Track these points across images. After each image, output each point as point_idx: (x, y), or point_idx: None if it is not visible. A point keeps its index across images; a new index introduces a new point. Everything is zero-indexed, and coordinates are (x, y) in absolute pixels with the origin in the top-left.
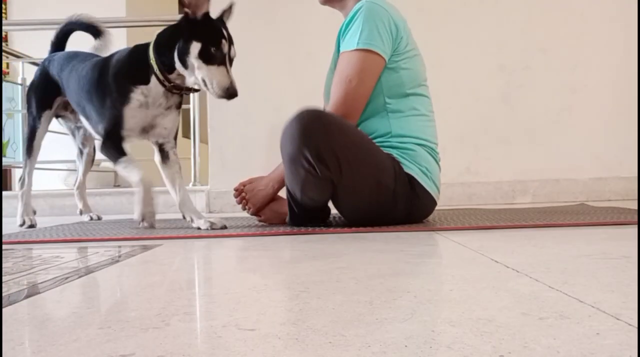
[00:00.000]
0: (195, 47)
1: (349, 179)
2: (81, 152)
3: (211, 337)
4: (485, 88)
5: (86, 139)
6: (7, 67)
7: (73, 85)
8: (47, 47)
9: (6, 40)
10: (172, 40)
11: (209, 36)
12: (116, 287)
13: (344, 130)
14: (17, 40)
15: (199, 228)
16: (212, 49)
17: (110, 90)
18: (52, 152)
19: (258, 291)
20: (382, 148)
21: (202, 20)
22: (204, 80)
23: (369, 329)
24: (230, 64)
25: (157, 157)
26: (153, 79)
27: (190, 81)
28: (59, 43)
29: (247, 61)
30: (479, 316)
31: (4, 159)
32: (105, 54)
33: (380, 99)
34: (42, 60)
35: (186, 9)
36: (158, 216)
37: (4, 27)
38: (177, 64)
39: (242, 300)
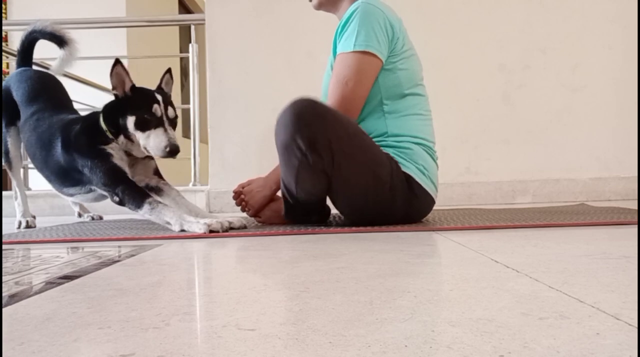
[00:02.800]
0: (130, 120)
1: (343, 169)
2: None
3: (211, 337)
4: (485, 88)
5: None
6: (7, 67)
7: (33, 146)
8: (47, 47)
9: (6, 40)
10: (114, 116)
11: (140, 106)
12: (116, 287)
13: (339, 120)
14: (17, 40)
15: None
16: (145, 116)
17: (81, 163)
18: None
19: (258, 291)
20: None
21: (132, 94)
22: (145, 147)
23: (369, 329)
24: (172, 124)
25: (154, 195)
26: (112, 143)
27: (137, 153)
28: (25, 51)
29: (247, 61)
30: (479, 316)
31: (3, 159)
32: (71, 64)
33: (377, 100)
34: (7, 79)
35: (114, 91)
36: None
37: (4, 27)
38: (122, 140)
39: (242, 300)
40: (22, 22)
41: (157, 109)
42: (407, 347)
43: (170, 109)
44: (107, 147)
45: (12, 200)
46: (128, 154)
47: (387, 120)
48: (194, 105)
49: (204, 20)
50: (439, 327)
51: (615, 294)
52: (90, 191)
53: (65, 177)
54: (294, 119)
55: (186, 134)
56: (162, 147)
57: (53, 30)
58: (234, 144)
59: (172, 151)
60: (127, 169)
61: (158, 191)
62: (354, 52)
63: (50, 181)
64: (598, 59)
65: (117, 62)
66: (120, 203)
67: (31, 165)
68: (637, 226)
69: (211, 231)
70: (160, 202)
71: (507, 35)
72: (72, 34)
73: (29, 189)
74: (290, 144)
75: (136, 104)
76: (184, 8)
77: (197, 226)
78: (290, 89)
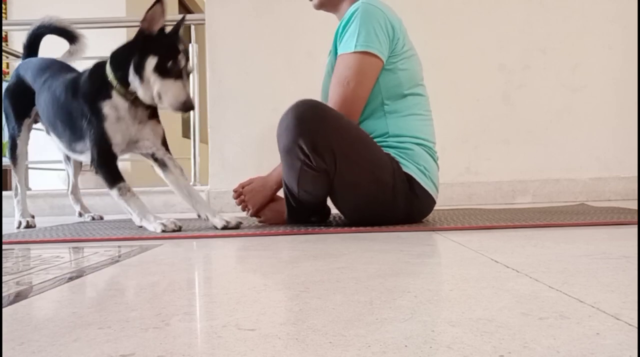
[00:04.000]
0: (151, 61)
1: (345, 171)
2: (68, 157)
3: (211, 337)
4: (485, 88)
5: None
6: (7, 67)
7: (45, 103)
8: (45, 47)
9: (6, 41)
10: (127, 56)
11: (165, 50)
12: (116, 287)
13: (340, 122)
14: (17, 40)
15: (215, 227)
16: (169, 63)
17: (83, 111)
18: (52, 152)
19: (258, 291)
20: None
21: (158, 35)
22: (159, 94)
23: (369, 329)
24: (187, 79)
25: (156, 169)
26: (114, 93)
27: (145, 96)
28: (31, 47)
29: (247, 61)
30: (479, 316)
31: (3, 159)
32: (78, 58)
33: (378, 101)
34: (16, 67)
35: (141, 25)
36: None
37: (4, 27)
38: (132, 78)
39: (242, 300)
40: (22, 22)
41: (182, 60)
42: (407, 347)
43: (189, 64)
44: (106, 105)
45: (12, 200)
46: (137, 106)
47: (388, 120)
48: None
49: (204, 20)
50: (439, 327)
51: (615, 294)
52: None
53: (73, 129)
54: (296, 123)
55: (186, 134)
56: (180, 100)
57: (63, 26)
58: (234, 144)
59: (189, 107)
60: (124, 132)
61: (162, 164)
62: (354, 52)
63: (61, 138)
64: (598, 59)
65: (160, 1)
66: (95, 172)
67: (31, 165)
68: (637, 226)
69: (164, 231)
70: (129, 190)
71: (507, 35)
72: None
73: (29, 189)
74: (292, 147)
75: (160, 46)
76: (184, 8)
77: (152, 225)
78: (290, 89)
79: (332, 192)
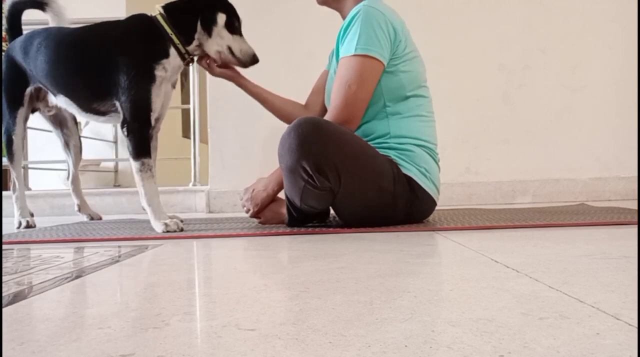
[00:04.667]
0: (221, 17)
1: (348, 187)
2: (67, 145)
3: (211, 337)
4: (485, 88)
5: (70, 131)
6: None
7: (49, 62)
8: None
9: (6, 41)
10: (191, 11)
11: (230, 9)
12: (116, 287)
13: (343, 139)
14: None
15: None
16: (235, 21)
17: (122, 66)
18: (52, 152)
19: (258, 291)
20: (380, 149)
21: None
22: (230, 48)
23: (369, 329)
24: None
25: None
26: (172, 51)
27: (211, 49)
28: (13, 28)
29: None
30: (479, 316)
31: (3, 159)
32: (62, 22)
33: (381, 103)
34: (6, 50)
35: None
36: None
37: (3, 27)
38: (199, 34)
39: (242, 300)
40: (22, 22)
41: (240, 19)
42: (407, 347)
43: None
44: (159, 65)
45: (12, 199)
46: (187, 62)
47: (390, 121)
48: (194, 105)
49: None
50: (439, 327)
51: (615, 294)
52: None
53: (98, 86)
54: (298, 143)
55: (186, 134)
56: (251, 54)
57: None
58: (234, 144)
59: (257, 60)
60: (162, 97)
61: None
62: (355, 55)
63: (75, 99)
64: (598, 59)
65: None
66: (125, 134)
67: (31, 165)
68: (637, 226)
69: (167, 232)
70: (150, 170)
71: (507, 35)
72: None
73: (29, 189)
74: (295, 168)
75: (225, 5)
76: None
77: (155, 222)
78: (290, 88)
79: (334, 203)
